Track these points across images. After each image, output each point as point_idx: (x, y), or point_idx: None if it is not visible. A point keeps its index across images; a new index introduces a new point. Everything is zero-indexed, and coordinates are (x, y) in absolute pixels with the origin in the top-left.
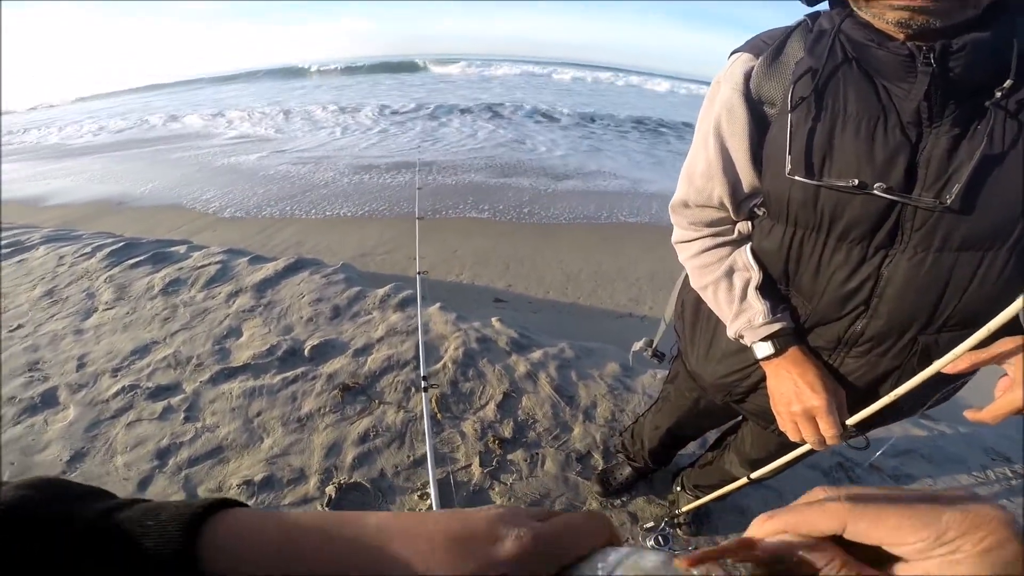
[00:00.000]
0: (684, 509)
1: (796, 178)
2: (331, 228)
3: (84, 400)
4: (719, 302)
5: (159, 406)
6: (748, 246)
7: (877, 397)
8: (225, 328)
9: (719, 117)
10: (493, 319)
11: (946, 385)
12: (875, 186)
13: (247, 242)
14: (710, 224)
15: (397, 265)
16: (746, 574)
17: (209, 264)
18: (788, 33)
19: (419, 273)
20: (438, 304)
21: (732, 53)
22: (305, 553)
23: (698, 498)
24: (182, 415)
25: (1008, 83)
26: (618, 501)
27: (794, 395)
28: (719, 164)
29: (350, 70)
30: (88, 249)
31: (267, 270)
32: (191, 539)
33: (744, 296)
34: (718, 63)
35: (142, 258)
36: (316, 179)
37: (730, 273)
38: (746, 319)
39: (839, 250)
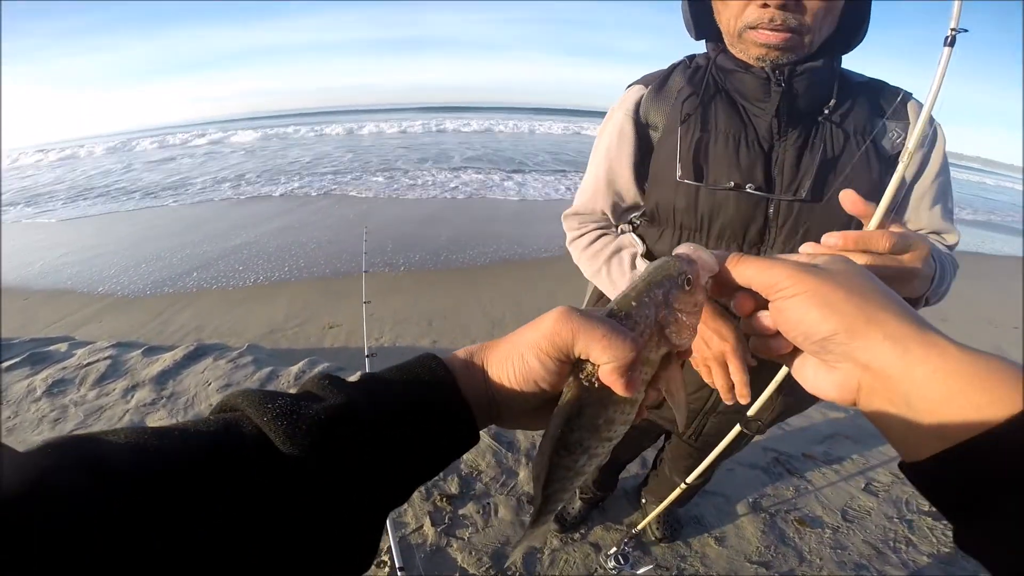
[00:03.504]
0: (650, 516)
1: (685, 181)
2: (234, 305)
3: None
4: (612, 278)
5: None
6: (631, 230)
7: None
8: (126, 423)
9: (610, 140)
10: None
11: None
12: (747, 186)
13: (139, 332)
14: (595, 223)
15: (311, 338)
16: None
17: (97, 360)
18: (672, 68)
19: (368, 355)
20: (358, 373)
21: (628, 87)
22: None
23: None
24: None
25: (832, 102)
26: (577, 535)
27: (704, 340)
28: (605, 181)
29: None
30: None
31: (165, 361)
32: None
33: (634, 266)
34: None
35: (16, 360)
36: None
37: (619, 250)
38: None
39: (718, 248)
